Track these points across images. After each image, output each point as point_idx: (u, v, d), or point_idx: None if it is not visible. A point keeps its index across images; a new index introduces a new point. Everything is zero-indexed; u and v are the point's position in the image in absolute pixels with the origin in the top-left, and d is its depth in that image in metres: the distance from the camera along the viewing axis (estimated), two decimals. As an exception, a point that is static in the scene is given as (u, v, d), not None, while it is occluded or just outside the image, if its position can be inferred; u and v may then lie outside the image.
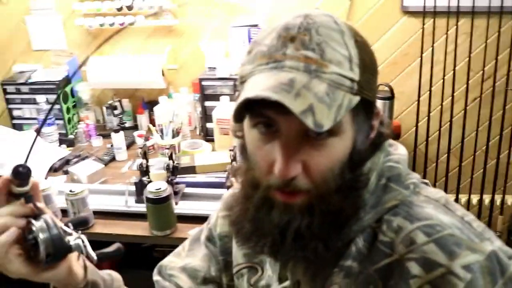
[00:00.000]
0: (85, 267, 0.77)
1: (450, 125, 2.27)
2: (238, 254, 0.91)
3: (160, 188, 1.56)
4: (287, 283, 0.81)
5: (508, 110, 2.23)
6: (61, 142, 2.33)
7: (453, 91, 2.21)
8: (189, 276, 0.95)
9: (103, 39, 2.42)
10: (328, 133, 0.65)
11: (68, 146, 2.31)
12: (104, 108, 2.51)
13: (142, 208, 1.69)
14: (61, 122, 2.40)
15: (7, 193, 0.72)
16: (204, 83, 2.22)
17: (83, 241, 0.71)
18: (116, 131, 2.14)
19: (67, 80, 2.44)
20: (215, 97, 2.20)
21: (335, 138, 0.66)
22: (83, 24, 2.36)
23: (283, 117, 0.64)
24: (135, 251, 2.10)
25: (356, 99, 0.65)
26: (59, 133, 2.37)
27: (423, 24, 2.15)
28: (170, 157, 1.76)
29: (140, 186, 1.72)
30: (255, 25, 2.16)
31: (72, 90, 2.46)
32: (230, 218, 0.80)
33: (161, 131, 2.09)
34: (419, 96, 2.25)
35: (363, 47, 0.68)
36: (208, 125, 2.27)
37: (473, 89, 2.23)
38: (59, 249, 0.70)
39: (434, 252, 0.67)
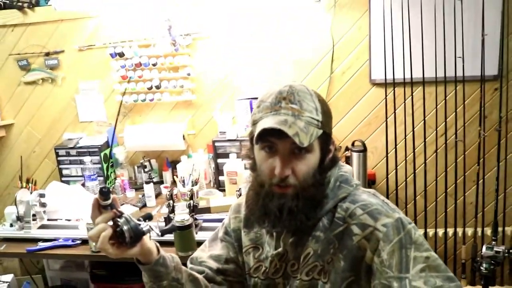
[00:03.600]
0: (157, 246, 1.22)
1: (414, 174, 2.81)
2: (245, 239, 1.37)
3: (184, 219, 2.10)
4: (280, 249, 1.27)
5: (460, 161, 2.77)
6: (102, 194, 2.88)
7: (413, 146, 2.78)
8: (215, 260, 1.39)
9: (135, 112, 3.05)
10: (305, 151, 1.15)
11: (107, 198, 2.85)
12: (136, 167, 3.08)
13: (169, 238, 2.22)
14: (101, 178, 2.97)
15: (98, 206, 1.14)
16: (217, 144, 2.79)
17: (151, 228, 1.16)
18: (147, 182, 2.71)
19: (107, 145, 3.04)
20: (225, 155, 2.75)
21: (310, 154, 1.17)
22: (121, 100, 2.99)
23: (280, 141, 1.14)
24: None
25: (320, 131, 1.16)
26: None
27: (386, 93, 2.74)
28: (191, 198, 2.31)
29: (168, 220, 2.27)
30: (255, 98, 2.75)
31: (110, 153, 3.05)
32: (247, 208, 1.31)
33: (183, 181, 2.65)
34: (386, 152, 2.81)
35: (323, 102, 1.21)
36: (220, 178, 2.82)
37: (431, 144, 2.78)
38: (137, 234, 1.12)
39: (366, 219, 1.18)
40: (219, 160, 2.82)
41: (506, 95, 2.68)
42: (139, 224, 1.14)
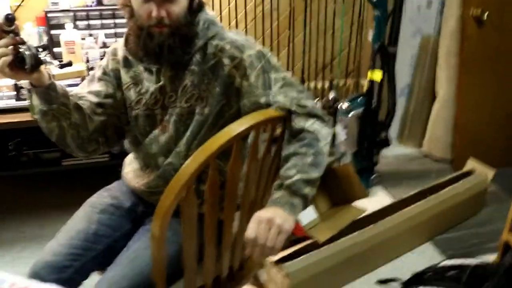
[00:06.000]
0: (49, 74, 1.39)
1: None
2: (125, 77, 1.56)
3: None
4: (161, 83, 1.48)
5: (274, 28, 3.22)
6: None
7: (236, 15, 3.13)
8: (94, 95, 1.55)
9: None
10: None
11: None
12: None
13: (21, 104, 2.32)
14: None
15: (0, 32, 1.21)
16: (49, 15, 2.77)
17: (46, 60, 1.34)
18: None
19: None
20: (59, 27, 2.76)
21: None
22: None
23: None
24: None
25: None
26: None
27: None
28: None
29: (16, 88, 2.33)
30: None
31: None
32: (129, 51, 1.51)
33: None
34: (214, 19, 3.10)
35: None
36: (55, 49, 2.84)
37: (250, 13, 3.16)
38: (37, 61, 1.26)
39: (234, 52, 1.45)
40: (53, 32, 2.82)
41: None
42: (38, 53, 1.27)
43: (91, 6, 2.86)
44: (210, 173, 1.29)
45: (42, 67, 1.32)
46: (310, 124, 1.39)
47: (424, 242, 2.68)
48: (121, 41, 1.58)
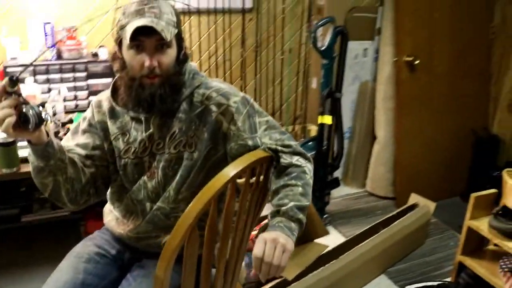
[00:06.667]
0: (47, 132, 1.37)
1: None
2: (112, 128, 1.58)
3: (6, 136, 2.19)
4: (149, 131, 1.53)
5: (227, 77, 3.40)
6: None
7: (191, 65, 3.27)
8: (82, 148, 1.57)
9: None
10: (167, 46, 1.43)
11: None
12: None
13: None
14: None
15: (3, 93, 1.23)
16: (8, 69, 2.76)
17: (48, 116, 1.33)
18: None
19: None
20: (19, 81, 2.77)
21: (170, 49, 1.45)
22: None
23: (147, 38, 1.40)
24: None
25: (176, 30, 1.44)
26: None
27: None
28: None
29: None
30: (49, 22, 2.83)
31: None
32: (120, 101, 1.55)
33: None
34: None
35: (175, 9, 1.47)
36: (13, 103, 2.84)
37: (204, 63, 3.33)
38: (40, 120, 1.27)
39: (221, 99, 1.52)
40: (12, 86, 2.82)
41: (260, 23, 3.37)
42: (41, 112, 1.29)
43: (50, 60, 2.90)
44: (211, 213, 1.38)
45: (43, 127, 1.34)
46: (296, 160, 1.53)
47: (378, 275, 2.85)
48: (105, 92, 1.64)
